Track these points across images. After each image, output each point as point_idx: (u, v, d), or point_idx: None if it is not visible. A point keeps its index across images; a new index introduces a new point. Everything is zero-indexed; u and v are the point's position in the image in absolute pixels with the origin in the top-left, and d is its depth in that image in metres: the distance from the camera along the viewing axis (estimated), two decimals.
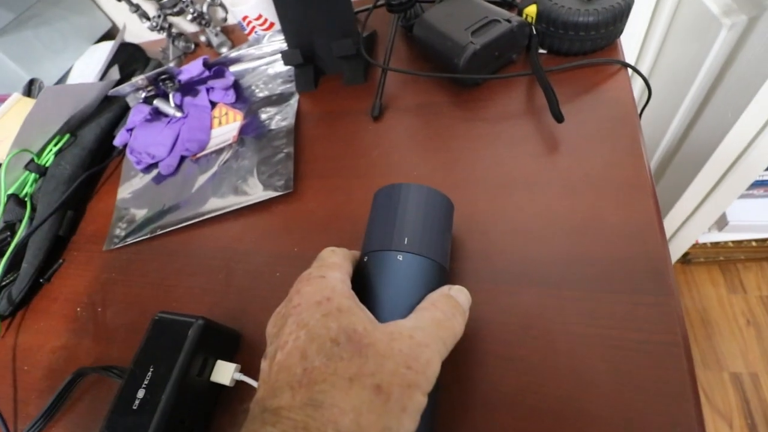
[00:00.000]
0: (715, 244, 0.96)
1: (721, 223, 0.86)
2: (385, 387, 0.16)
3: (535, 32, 0.39)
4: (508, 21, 0.39)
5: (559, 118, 0.34)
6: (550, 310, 0.27)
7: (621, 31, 0.38)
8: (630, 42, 0.65)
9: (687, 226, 0.71)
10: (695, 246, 0.97)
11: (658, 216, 0.29)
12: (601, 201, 0.30)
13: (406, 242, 0.24)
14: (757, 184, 0.81)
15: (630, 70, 0.38)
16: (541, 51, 0.41)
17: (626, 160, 0.32)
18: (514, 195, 0.33)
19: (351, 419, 0.15)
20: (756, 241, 0.94)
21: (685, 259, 1.04)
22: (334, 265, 0.23)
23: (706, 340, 0.97)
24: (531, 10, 0.39)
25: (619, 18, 0.36)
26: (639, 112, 0.43)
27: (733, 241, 0.95)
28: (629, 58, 0.69)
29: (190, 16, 0.62)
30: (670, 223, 0.71)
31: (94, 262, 0.45)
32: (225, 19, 0.67)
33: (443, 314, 0.21)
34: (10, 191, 0.47)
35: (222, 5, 0.64)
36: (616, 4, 0.36)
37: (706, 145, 0.55)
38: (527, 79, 0.39)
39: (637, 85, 0.65)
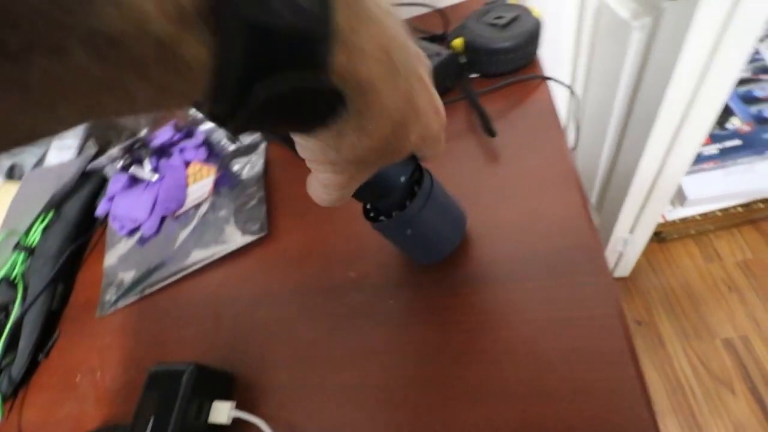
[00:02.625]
0: (684, 220, 1.01)
1: (681, 198, 0.91)
2: None
3: (463, 61, 0.44)
4: (439, 54, 0.43)
5: (491, 133, 0.38)
6: (505, 304, 0.31)
7: (536, 50, 0.43)
8: (563, 58, 0.72)
9: (648, 207, 0.76)
10: (665, 224, 1.02)
11: (585, 205, 0.33)
12: (537, 200, 0.34)
13: None
14: (704, 158, 0.87)
15: (552, 81, 0.43)
16: (473, 75, 0.46)
17: (554, 161, 0.36)
18: (464, 206, 0.36)
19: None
20: (720, 211, 1.00)
21: (660, 238, 1.08)
22: None
23: (694, 312, 1.00)
24: (458, 43, 0.44)
25: (531, 40, 0.42)
26: (574, 115, 0.48)
27: (699, 214, 1.01)
28: (564, 74, 0.76)
29: None
30: (630, 207, 0.75)
31: (89, 330, 0.47)
32: None
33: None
34: (1, 274, 0.49)
35: None
36: (526, 29, 0.41)
37: (644, 129, 0.60)
38: (462, 102, 0.44)
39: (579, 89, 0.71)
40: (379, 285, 0.35)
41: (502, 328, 0.30)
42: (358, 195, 0.25)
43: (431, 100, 0.21)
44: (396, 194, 0.28)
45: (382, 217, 0.29)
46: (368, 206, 0.31)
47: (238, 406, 0.32)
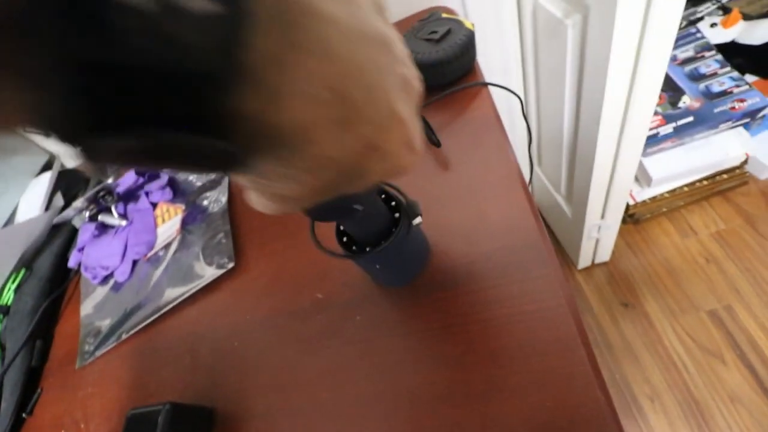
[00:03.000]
0: (653, 198, 1.04)
1: (647, 179, 0.94)
2: None
3: None
4: None
5: (436, 143, 0.40)
6: (464, 306, 0.32)
7: (473, 59, 0.46)
8: (510, 61, 0.75)
9: (613, 191, 0.78)
10: (637, 205, 1.05)
11: (530, 201, 0.34)
12: (486, 203, 0.36)
13: None
14: (661, 138, 0.90)
15: (496, 88, 0.45)
16: None
17: (497, 162, 0.38)
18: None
19: None
20: (686, 186, 1.03)
21: (634, 219, 1.11)
22: None
23: (677, 288, 1.03)
24: None
25: (466, 50, 0.44)
26: (522, 113, 0.50)
27: (667, 192, 1.04)
28: (515, 76, 0.79)
29: None
30: (596, 193, 0.78)
31: (70, 383, 0.46)
32: None
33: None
34: None
35: None
36: (459, 40, 0.43)
37: (594, 117, 0.63)
38: None
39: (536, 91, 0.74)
40: (345, 303, 0.36)
41: (463, 330, 0.31)
42: (322, 218, 0.26)
43: (406, 139, 0.16)
44: (374, 235, 0.29)
45: (354, 247, 0.30)
46: (343, 236, 0.31)
47: None
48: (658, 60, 0.53)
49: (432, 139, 0.40)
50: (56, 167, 0.67)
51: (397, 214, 0.30)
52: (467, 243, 0.35)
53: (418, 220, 0.29)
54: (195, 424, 0.33)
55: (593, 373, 0.26)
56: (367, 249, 0.30)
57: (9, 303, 0.53)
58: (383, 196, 0.31)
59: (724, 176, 1.01)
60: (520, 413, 0.27)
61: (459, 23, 0.45)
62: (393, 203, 0.31)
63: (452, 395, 0.29)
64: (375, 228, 0.29)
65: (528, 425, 0.26)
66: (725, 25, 1.06)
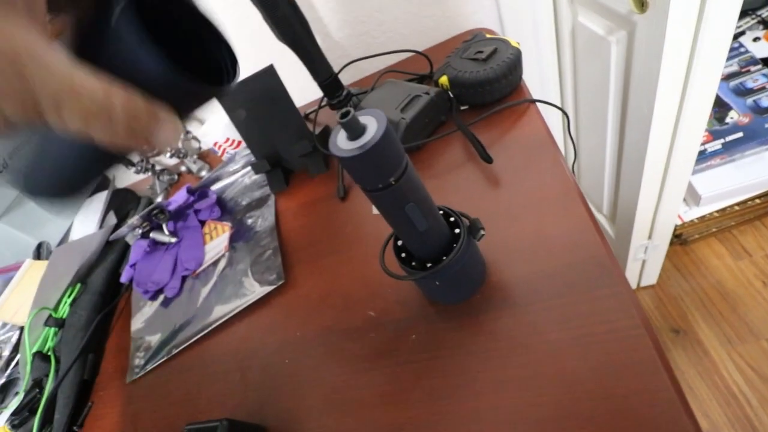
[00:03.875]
0: (701, 218, 0.99)
1: (695, 198, 0.90)
2: None
3: (452, 96, 0.47)
4: (428, 93, 0.46)
5: (488, 159, 0.39)
6: (527, 326, 0.30)
7: (520, 77, 0.46)
8: (549, 81, 0.75)
9: (662, 209, 0.75)
10: (684, 225, 1.00)
11: (591, 217, 0.33)
12: (542, 219, 0.35)
13: None
14: (709, 155, 0.87)
15: (540, 104, 0.44)
16: (463, 107, 0.48)
17: (552, 178, 0.37)
18: None
19: None
20: (737, 204, 0.97)
21: (681, 240, 1.06)
22: None
23: (732, 314, 0.96)
24: (444, 80, 0.47)
25: (513, 68, 0.44)
26: (567, 131, 0.50)
27: (717, 211, 0.98)
28: (553, 95, 0.78)
29: (168, 154, 0.71)
30: (643, 212, 0.75)
31: (121, 397, 0.47)
32: (199, 148, 0.76)
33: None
34: (34, 349, 0.51)
35: (195, 137, 0.73)
36: (507, 58, 0.44)
37: (643, 133, 0.61)
38: (458, 133, 0.46)
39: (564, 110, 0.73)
40: (399, 321, 0.36)
41: (528, 352, 0.29)
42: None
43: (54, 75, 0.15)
44: (434, 251, 0.29)
45: (414, 263, 0.30)
46: (401, 251, 0.31)
47: None
48: (710, 72, 0.51)
49: (484, 156, 0.40)
50: (110, 188, 0.70)
51: (457, 230, 0.30)
52: (526, 260, 0.33)
53: (481, 233, 0.28)
54: None
55: (679, 400, 0.24)
56: (428, 265, 0.29)
57: (64, 316, 0.55)
58: (442, 212, 0.30)
59: None
60: None
61: (505, 42, 0.46)
62: (452, 219, 0.31)
63: (519, 422, 0.27)
64: (437, 241, 0.28)
65: None
66: None
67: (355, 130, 0.21)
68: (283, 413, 0.36)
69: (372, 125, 0.21)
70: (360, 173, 0.23)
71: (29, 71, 0.15)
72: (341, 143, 0.21)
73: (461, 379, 0.30)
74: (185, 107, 0.19)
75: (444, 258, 0.29)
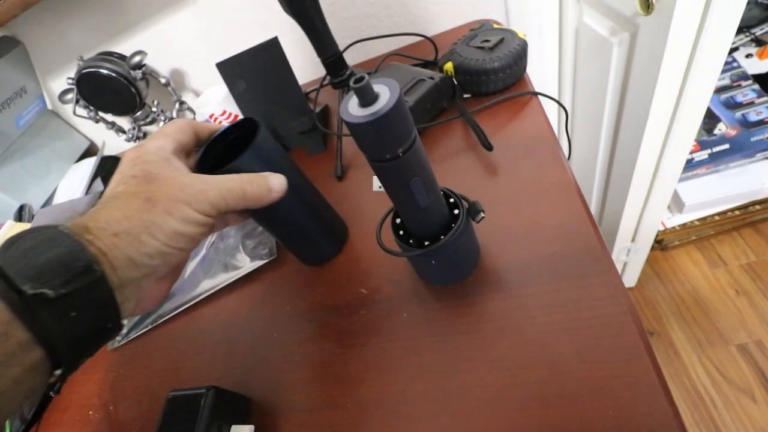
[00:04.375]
0: (683, 225, 1.02)
1: (679, 205, 0.93)
2: (154, 198, 0.23)
3: (456, 83, 0.47)
4: (432, 78, 0.46)
5: (488, 147, 0.40)
6: (517, 310, 0.31)
7: (524, 69, 0.46)
8: (548, 76, 0.75)
9: (647, 213, 0.77)
10: (666, 231, 1.03)
11: (586, 209, 0.34)
12: (538, 207, 0.36)
13: None
14: (695, 164, 0.89)
15: (541, 97, 0.45)
16: (465, 96, 0.48)
17: (550, 169, 0.37)
18: None
19: (121, 214, 0.22)
20: (718, 215, 1.01)
21: (662, 245, 1.09)
22: (160, 135, 0.28)
23: (705, 319, 0.99)
24: (449, 66, 0.47)
25: (518, 59, 0.44)
26: (565, 127, 0.50)
27: (698, 219, 1.02)
28: (551, 90, 0.79)
29: (162, 123, 0.70)
30: (629, 215, 0.76)
31: (100, 364, 0.46)
32: (194, 119, 0.74)
33: (241, 178, 0.27)
34: None
35: (189, 108, 0.72)
36: (513, 49, 0.44)
37: (635, 138, 0.63)
38: (459, 120, 0.46)
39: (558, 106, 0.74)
40: (391, 299, 0.36)
41: (517, 333, 0.30)
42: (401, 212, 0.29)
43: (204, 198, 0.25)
44: (432, 230, 0.29)
45: (411, 241, 0.30)
46: (399, 229, 0.31)
47: (257, 430, 0.32)
48: (705, 79, 0.53)
49: (484, 143, 0.40)
50: (100, 154, 0.68)
51: (456, 211, 0.30)
52: (520, 246, 0.34)
53: (481, 215, 0.29)
54: (235, 412, 0.33)
55: (659, 383, 0.25)
56: (426, 243, 0.29)
57: None
58: (442, 193, 0.31)
59: (757, 207, 0.99)
60: (582, 422, 0.26)
61: (512, 33, 0.46)
62: (452, 200, 0.31)
63: (506, 399, 0.28)
64: (436, 220, 0.29)
65: None
66: (761, 56, 1.05)
67: (367, 97, 0.21)
68: (269, 385, 0.36)
69: (385, 93, 0.21)
70: (368, 141, 0.22)
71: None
72: (352, 109, 0.21)
73: (450, 357, 0.31)
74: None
75: (442, 237, 0.29)
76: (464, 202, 0.30)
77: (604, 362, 0.27)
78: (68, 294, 0.18)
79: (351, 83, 0.20)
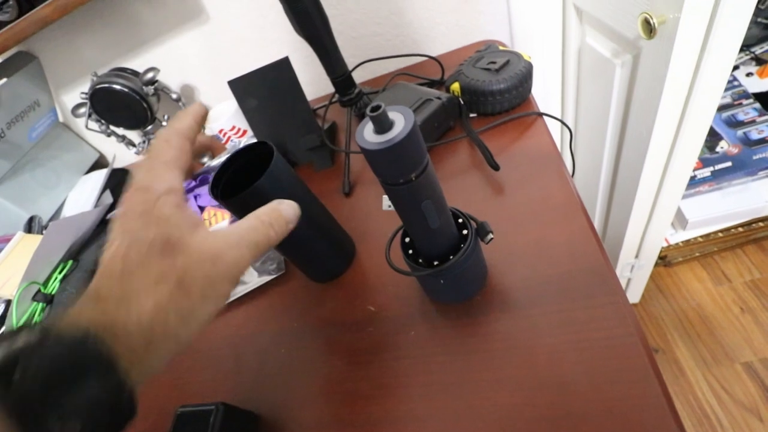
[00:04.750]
0: (686, 242, 1.02)
1: (682, 221, 0.93)
2: (187, 282, 0.20)
3: (462, 103, 0.48)
4: (439, 98, 0.47)
5: (495, 167, 0.41)
6: (525, 330, 0.31)
7: (530, 90, 0.47)
8: (551, 95, 0.77)
9: (650, 230, 0.78)
10: (669, 247, 1.03)
11: (592, 229, 0.34)
12: (544, 227, 0.36)
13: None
14: (698, 181, 0.90)
15: (546, 117, 0.46)
16: (472, 115, 0.49)
17: (556, 188, 0.38)
18: None
19: (152, 305, 0.19)
20: (721, 231, 1.01)
21: (665, 261, 1.09)
22: (161, 168, 0.23)
23: (710, 336, 0.99)
24: (455, 87, 0.48)
25: (524, 81, 0.45)
26: (569, 146, 0.51)
27: (701, 236, 1.02)
28: (554, 109, 0.80)
29: None
30: (633, 231, 0.77)
31: None
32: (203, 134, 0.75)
33: (261, 223, 0.24)
34: (20, 323, 0.50)
35: None
36: (518, 71, 0.45)
37: (639, 156, 0.63)
38: (465, 139, 0.47)
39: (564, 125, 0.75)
40: (399, 317, 0.36)
41: (525, 353, 0.30)
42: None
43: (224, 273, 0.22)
44: (441, 250, 0.30)
45: (420, 261, 0.31)
46: (408, 249, 0.32)
47: None
48: (707, 100, 0.53)
49: (491, 163, 0.41)
50: (111, 166, 0.69)
51: (465, 231, 0.31)
52: (527, 266, 0.34)
53: (490, 236, 0.29)
54: (243, 429, 0.33)
55: (668, 406, 0.25)
56: (435, 263, 0.30)
57: (53, 292, 0.54)
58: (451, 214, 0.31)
59: (761, 224, 0.99)
60: None
61: (517, 55, 0.47)
62: (460, 220, 0.31)
63: (515, 420, 0.28)
64: (446, 241, 0.29)
65: None
66: (761, 75, 1.07)
67: (383, 124, 0.21)
68: (276, 401, 0.36)
69: (400, 121, 0.22)
70: (383, 167, 0.23)
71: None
72: (368, 136, 0.22)
73: (458, 376, 0.31)
74: None
75: (451, 257, 0.29)
76: (473, 223, 0.31)
77: (613, 383, 0.27)
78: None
79: (368, 112, 0.21)
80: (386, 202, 0.45)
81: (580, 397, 0.27)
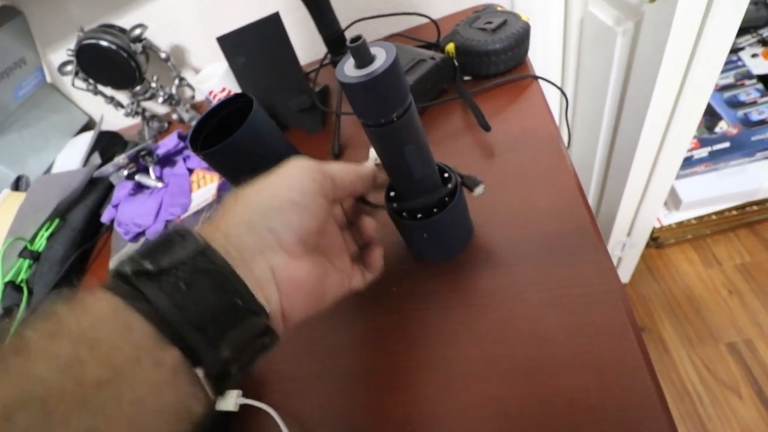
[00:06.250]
0: (680, 224, 1.02)
1: (676, 202, 0.93)
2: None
3: (456, 64, 0.47)
4: (433, 59, 0.46)
5: (486, 127, 0.40)
6: (507, 286, 0.31)
7: (526, 52, 0.46)
8: (552, 62, 0.75)
9: (643, 208, 0.77)
10: (662, 229, 1.03)
11: (581, 190, 0.34)
12: (533, 189, 0.36)
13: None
14: (695, 162, 0.89)
15: (543, 84, 0.45)
16: (466, 78, 0.48)
17: (548, 152, 0.37)
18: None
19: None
20: (715, 214, 1.01)
21: (657, 243, 1.09)
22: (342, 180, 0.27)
23: (696, 316, 1.00)
24: (450, 47, 0.47)
25: (520, 42, 0.44)
26: (565, 115, 0.50)
27: (695, 218, 1.02)
28: (554, 76, 0.79)
29: (161, 99, 0.69)
30: (626, 208, 0.77)
31: None
32: (193, 97, 0.74)
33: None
34: (6, 279, 0.50)
35: (189, 85, 0.71)
36: (515, 31, 0.44)
37: (635, 129, 0.63)
38: (459, 103, 0.46)
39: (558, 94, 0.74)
40: (381, 274, 0.36)
41: (505, 308, 0.30)
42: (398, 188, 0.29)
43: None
44: (430, 200, 0.29)
45: (404, 214, 0.30)
46: (393, 202, 0.31)
47: (245, 396, 0.32)
48: (707, 72, 0.52)
49: (482, 123, 0.40)
50: (98, 127, 0.68)
51: (450, 185, 0.30)
52: (513, 225, 0.34)
53: (480, 189, 0.29)
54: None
55: (644, 360, 0.26)
56: (418, 216, 0.30)
57: (40, 249, 0.54)
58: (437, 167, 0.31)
59: (755, 208, 0.99)
60: (565, 394, 0.26)
61: (515, 16, 0.46)
62: (446, 175, 0.31)
63: (490, 370, 0.28)
64: (432, 194, 0.29)
65: (574, 407, 0.25)
66: (766, 56, 1.05)
67: (363, 57, 0.21)
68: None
69: (381, 56, 0.21)
70: (363, 104, 0.22)
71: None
72: (348, 70, 0.21)
73: (439, 330, 0.31)
74: None
75: (435, 211, 0.29)
76: (457, 176, 0.30)
77: (590, 338, 0.27)
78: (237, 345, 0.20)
79: (348, 43, 0.20)
80: (372, 154, 0.44)
81: (556, 351, 0.27)
